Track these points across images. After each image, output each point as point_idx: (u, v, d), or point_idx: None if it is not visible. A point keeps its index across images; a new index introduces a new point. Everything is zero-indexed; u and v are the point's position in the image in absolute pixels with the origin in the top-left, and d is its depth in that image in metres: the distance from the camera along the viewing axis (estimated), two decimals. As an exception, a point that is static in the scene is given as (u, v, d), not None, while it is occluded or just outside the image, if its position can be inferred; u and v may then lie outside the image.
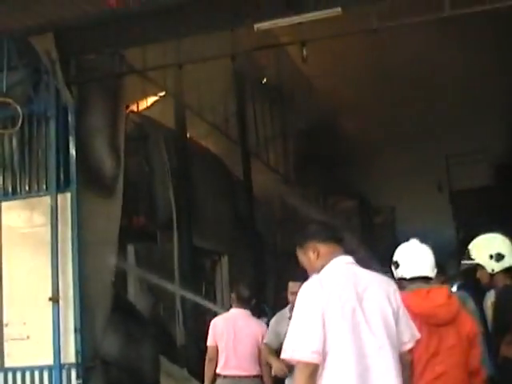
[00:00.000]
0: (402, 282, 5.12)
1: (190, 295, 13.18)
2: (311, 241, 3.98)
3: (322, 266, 3.88)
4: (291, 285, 7.06)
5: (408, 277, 5.07)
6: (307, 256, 3.99)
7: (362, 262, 4.01)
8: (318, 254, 3.95)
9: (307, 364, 3.59)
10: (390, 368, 3.70)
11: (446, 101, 19.40)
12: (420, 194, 25.00)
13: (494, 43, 16.41)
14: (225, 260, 15.76)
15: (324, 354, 3.60)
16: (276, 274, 17.39)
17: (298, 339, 3.63)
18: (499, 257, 5.95)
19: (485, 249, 6.06)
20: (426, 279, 5.05)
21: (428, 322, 4.80)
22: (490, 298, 5.97)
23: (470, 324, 4.99)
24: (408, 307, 4.87)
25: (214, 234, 15.45)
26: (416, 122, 20.80)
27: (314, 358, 3.58)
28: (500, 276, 5.98)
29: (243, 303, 8.21)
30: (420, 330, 4.17)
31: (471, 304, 6.39)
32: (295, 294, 3.95)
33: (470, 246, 6.15)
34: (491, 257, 5.98)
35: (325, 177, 24.00)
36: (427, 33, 13.93)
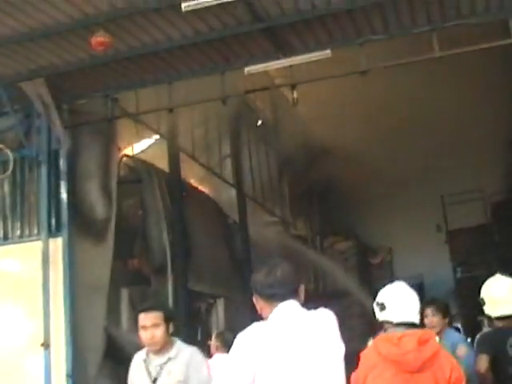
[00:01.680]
0: (384, 324, 5.07)
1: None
2: (255, 294, 3.93)
3: (267, 317, 3.87)
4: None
5: (395, 321, 5.01)
6: (257, 305, 3.98)
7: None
8: (260, 309, 3.92)
9: None
10: None
11: (441, 141, 19.49)
12: (417, 234, 24.93)
13: (489, 83, 16.52)
14: (221, 303, 15.62)
15: None
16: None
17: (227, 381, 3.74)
18: (482, 302, 5.93)
19: (482, 292, 6.04)
20: (411, 325, 4.99)
21: (399, 369, 4.74)
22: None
23: (450, 369, 4.87)
24: (379, 353, 4.83)
25: (209, 277, 15.35)
26: (412, 162, 20.87)
27: None
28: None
29: (229, 347, 8.11)
30: (395, 376, 4.11)
31: (463, 348, 6.34)
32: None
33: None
34: (483, 302, 5.96)
35: (321, 218, 23.99)
36: (421, 73, 14.03)
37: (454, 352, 6.22)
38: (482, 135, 18.85)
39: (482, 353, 5.59)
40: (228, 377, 3.73)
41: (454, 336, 6.99)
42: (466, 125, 18.33)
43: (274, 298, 3.84)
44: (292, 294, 3.89)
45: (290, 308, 3.84)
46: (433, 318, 6.69)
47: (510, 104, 17.59)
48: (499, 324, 5.87)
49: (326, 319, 3.86)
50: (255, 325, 3.83)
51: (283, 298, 3.84)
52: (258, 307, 3.95)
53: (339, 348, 3.83)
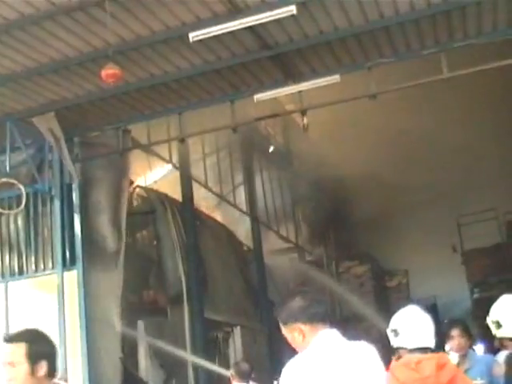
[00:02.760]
0: (399, 351, 5.02)
1: (203, 362, 13.03)
2: (295, 322, 3.80)
3: (308, 345, 3.76)
4: None
5: (409, 348, 4.96)
6: (292, 335, 3.82)
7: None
8: (303, 335, 3.78)
9: None
10: None
11: (454, 162, 19.45)
12: (433, 256, 24.83)
13: (501, 102, 16.53)
14: (237, 331, 15.55)
15: None
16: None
17: None
18: (498, 325, 5.84)
19: (491, 312, 5.97)
20: (426, 349, 4.94)
21: None
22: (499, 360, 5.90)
23: None
24: (396, 378, 4.78)
25: (225, 306, 15.32)
26: (426, 184, 20.81)
27: None
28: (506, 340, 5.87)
29: (243, 377, 8.17)
30: None
31: (498, 367, 6.24)
32: None
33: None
34: (492, 322, 5.88)
35: (336, 243, 23.91)
36: (432, 95, 14.05)
37: (489, 373, 6.16)
38: (494, 155, 18.81)
39: None
40: None
41: (485, 357, 6.89)
42: (477, 145, 18.30)
43: (316, 317, 3.78)
44: (328, 313, 3.87)
45: (333, 337, 3.79)
46: (461, 340, 6.54)
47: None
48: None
49: (371, 353, 3.80)
50: (300, 356, 3.73)
51: (323, 318, 3.80)
52: (296, 339, 3.82)
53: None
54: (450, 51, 9.14)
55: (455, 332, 6.50)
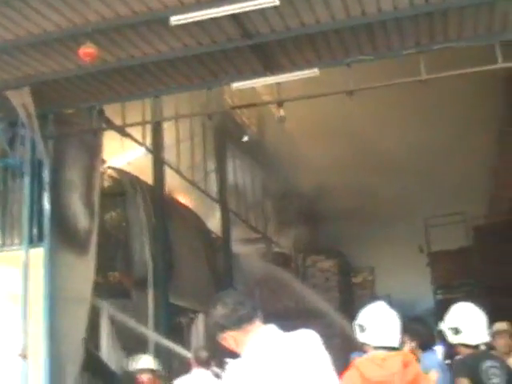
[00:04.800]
0: (364, 346, 5.06)
1: (165, 341, 13.03)
2: (223, 331, 3.76)
3: (243, 348, 3.70)
4: None
5: (375, 345, 4.99)
6: (227, 343, 3.78)
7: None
8: (235, 341, 3.75)
9: None
10: None
11: (426, 164, 19.59)
12: (400, 255, 25.03)
13: (472, 108, 16.66)
14: (201, 318, 15.55)
15: None
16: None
17: None
18: (456, 331, 5.89)
19: (447, 319, 6.02)
20: (391, 349, 4.98)
21: None
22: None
23: None
24: (362, 374, 4.81)
25: (190, 292, 15.30)
26: (396, 183, 20.92)
27: None
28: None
29: (202, 365, 8.22)
30: None
31: (435, 373, 6.31)
32: None
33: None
34: (450, 329, 5.93)
35: (304, 236, 23.98)
36: (406, 97, 14.11)
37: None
38: (465, 159, 18.96)
39: (463, 377, 5.57)
40: None
41: (430, 359, 6.96)
42: (450, 149, 18.45)
43: (242, 321, 3.72)
44: (256, 312, 3.77)
45: (270, 333, 3.73)
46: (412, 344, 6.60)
47: (492, 128, 17.72)
48: (468, 350, 5.85)
49: (310, 339, 3.73)
50: (238, 360, 3.66)
51: (250, 319, 3.73)
52: (232, 345, 3.76)
53: (330, 366, 3.73)
54: (430, 54, 9.18)
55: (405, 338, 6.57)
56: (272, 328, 3.77)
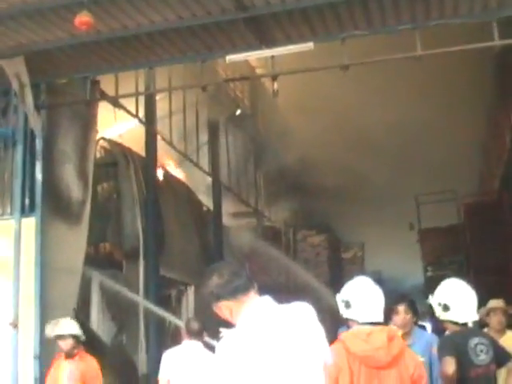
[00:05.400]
0: (349, 321, 5.10)
1: (157, 310, 13.11)
2: (219, 300, 3.79)
3: (237, 319, 3.74)
4: None
5: (361, 321, 5.03)
6: (221, 313, 3.82)
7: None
8: (230, 312, 3.78)
9: None
10: None
11: (417, 140, 19.60)
12: (390, 232, 25.13)
13: (465, 85, 16.65)
14: (191, 291, 15.63)
15: None
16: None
17: None
18: (445, 308, 5.93)
19: (437, 294, 6.05)
20: (376, 324, 5.02)
21: (367, 365, 4.77)
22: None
23: (414, 366, 4.93)
24: (347, 348, 4.86)
25: (180, 264, 15.36)
26: (388, 160, 20.95)
27: None
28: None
29: (194, 336, 8.22)
30: (359, 372, 4.11)
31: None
32: None
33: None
34: (439, 305, 5.96)
35: (295, 210, 24.04)
36: (399, 73, 14.10)
37: (428, 351, 6.26)
38: (456, 137, 18.98)
39: (449, 355, 5.61)
40: None
41: (427, 335, 7.00)
42: (442, 126, 18.45)
43: (238, 291, 3.75)
44: (252, 283, 3.81)
45: (265, 304, 3.77)
46: (406, 316, 6.61)
47: (484, 106, 17.75)
48: (457, 328, 5.89)
49: (305, 312, 3.77)
50: (232, 330, 3.70)
51: (246, 289, 3.76)
52: (226, 315, 3.80)
53: (324, 339, 3.77)
54: (425, 30, 9.15)
55: (401, 307, 6.59)
56: (267, 299, 3.80)
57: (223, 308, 3.80)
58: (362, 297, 5.09)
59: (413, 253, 22.28)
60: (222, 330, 4.07)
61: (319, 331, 3.78)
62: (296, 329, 3.69)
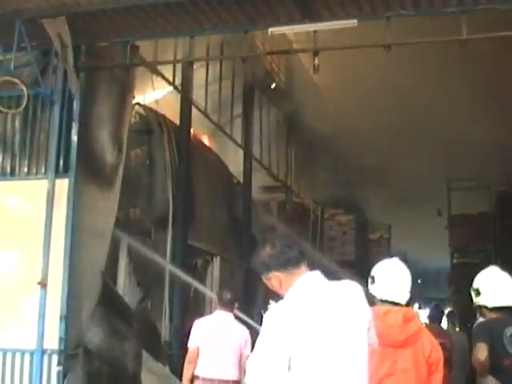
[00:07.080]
0: (374, 299, 5.12)
1: (182, 274, 13.18)
2: (269, 271, 3.80)
3: (287, 290, 3.75)
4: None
5: (380, 298, 5.07)
6: (270, 283, 3.84)
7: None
8: (279, 282, 3.79)
9: None
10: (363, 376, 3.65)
11: (453, 126, 19.40)
12: (417, 217, 25.02)
13: (504, 72, 16.43)
14: (217, 261, 15.68)
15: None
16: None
17: (261, 368, 3.51)
18: (477, 292, 5.93)
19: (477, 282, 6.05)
20: (396, 304, 5.04)
21: (381, 343, 4.78)
22: None
23: (430, 349, 4.96)
24: None
25: (208, 235, 15.41)
26: (421, 144, 20.79)
27: None
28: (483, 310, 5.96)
29: (225, 307, 8.25)
30: (373, 350, 4.11)
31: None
32: None
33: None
34: (473, 290, 5.98)
35: (324, 189, 23.97)
36: (441, 59, 13.94)
37: None
38: (494, 124, 18.75)
39: (481, 341, 5.59)
40: (262, 364, 3.52)
41: None
42: (479, 113, 18.23)
43: (289, 263, 3.77)
44: (303, 257, 3.82)
45: (315, 279, 3.77)
46: None
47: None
48: (492, 315, 5.87)
49: (354, 291, 3.78)
50: (281, 302, 3.70)
51: (297, 262, 3.78)
52: (275, 286, 3.81)
53: (371, 320, 3.80)
54: (472, 14, 9.00)
55: None
56: (317, 274, 3.80)
57: (273, 279, 3.81)
58: (387, 275, 5.14)
59: (439, 239, 22.16)
60: (270, 301, 4.09)
61: (367, 312, 3.79)
62: (345, 306, 3.69)
